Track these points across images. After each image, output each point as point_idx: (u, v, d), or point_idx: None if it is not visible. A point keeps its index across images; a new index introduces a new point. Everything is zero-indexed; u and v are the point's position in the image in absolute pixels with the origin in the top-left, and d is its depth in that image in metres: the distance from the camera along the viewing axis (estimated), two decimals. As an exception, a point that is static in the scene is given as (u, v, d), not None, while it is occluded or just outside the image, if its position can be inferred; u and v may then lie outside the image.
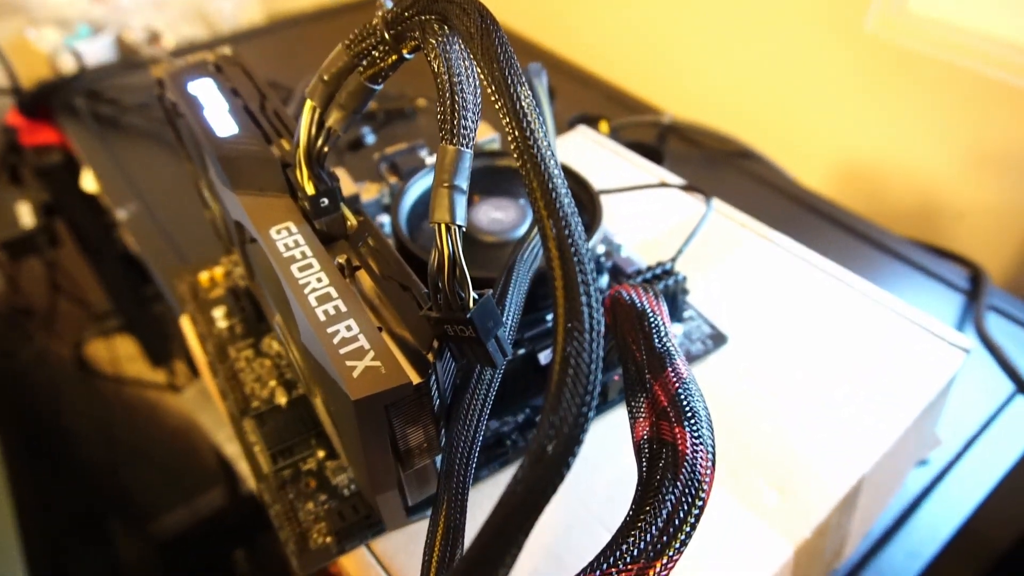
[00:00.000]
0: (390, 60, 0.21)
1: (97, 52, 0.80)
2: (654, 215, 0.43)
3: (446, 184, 0.18)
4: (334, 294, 0.21)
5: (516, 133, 0.16)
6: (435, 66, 0.19)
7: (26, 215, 0.69)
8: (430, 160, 0.37)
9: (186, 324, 0.37)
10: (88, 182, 0.60)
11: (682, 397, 0.21)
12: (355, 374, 0.19)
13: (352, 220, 0.24)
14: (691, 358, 0.35)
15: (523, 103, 0.17)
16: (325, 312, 0.21)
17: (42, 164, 0.68)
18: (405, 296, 0.21)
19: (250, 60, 0.74)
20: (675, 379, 0.21)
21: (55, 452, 0.93)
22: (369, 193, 0.37)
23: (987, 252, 0.55)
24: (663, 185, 0.41)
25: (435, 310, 0.19)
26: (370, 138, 0.54)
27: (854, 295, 0.38)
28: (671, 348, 0.23)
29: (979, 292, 0.46)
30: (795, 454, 0.31)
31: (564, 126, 0.62)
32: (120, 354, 0.92)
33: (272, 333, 0.35)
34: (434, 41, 0.19)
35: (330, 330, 0.20)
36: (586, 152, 0.49)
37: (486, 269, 0.30)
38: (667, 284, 0.34)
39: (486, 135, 0.44)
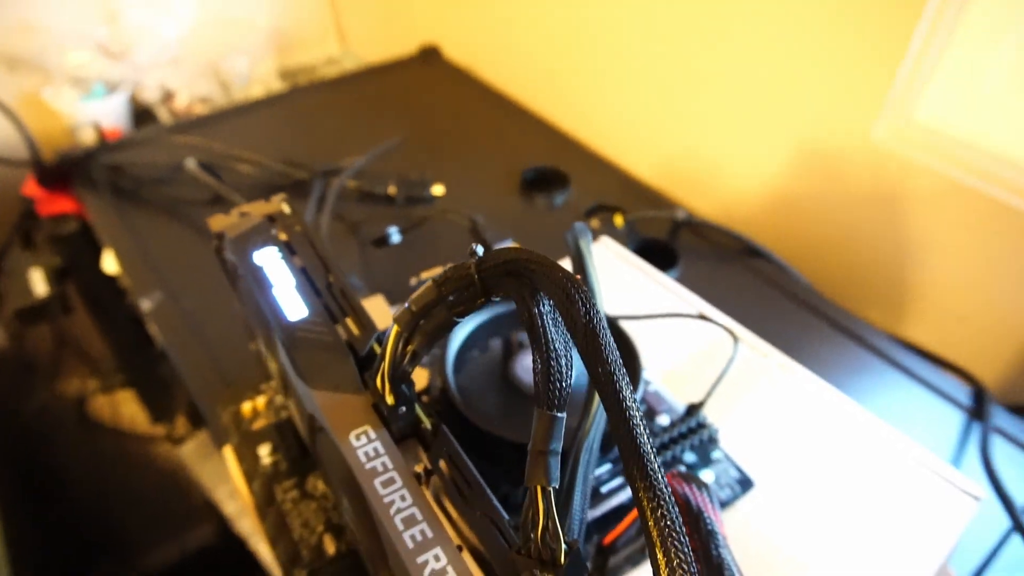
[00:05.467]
0: (479, 302, 0.22)
1: (112, 112, 0.80)
2: (677, 340, 0.45)
3: (541, 450, 0.20)
4: (419, 516, 0.23)
5: (629, 452, 0.18)
6: (531, 331, 0.20)
7: (39, 282, 0.69)
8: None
9: (230, 458, 0.37)
10: (109, 264, 0.60)
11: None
12: (448, 615, 0.20)
13: (427, 423, 0.26)
14: (719, 504, 0.36)
15: (636, 415, 0.18)
16: (412, 538, 0.22)
17: (58, 232, 0.69)
18: (489, 527, 0.22)
19: (267, 129, 0.75)
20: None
21: (49, 495, 0.93)
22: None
23: (984, 358, 0.57)
24: (702, 318, 0.43)
25: (524, 554, 0.21)
26: (396, 238, 0.55)
27: (870, 435, 0.40)
28: (728, 559, 0.24)
29: (983, 412, 0.49)
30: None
31: (582, 215, 0.64)
32: (122, 409, 0.91)
33: (316, 472, 0.36)
34: (532, 308, 0.20)
35: (419, 560, 0.22)
36: (611, 269, 0.50)
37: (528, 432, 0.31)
38: (701, 439, 0.36)
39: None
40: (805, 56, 0.61)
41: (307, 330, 0.28)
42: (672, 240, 0.62)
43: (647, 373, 0.41)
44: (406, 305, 0.23)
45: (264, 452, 0.37)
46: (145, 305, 0.55)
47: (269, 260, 0.31)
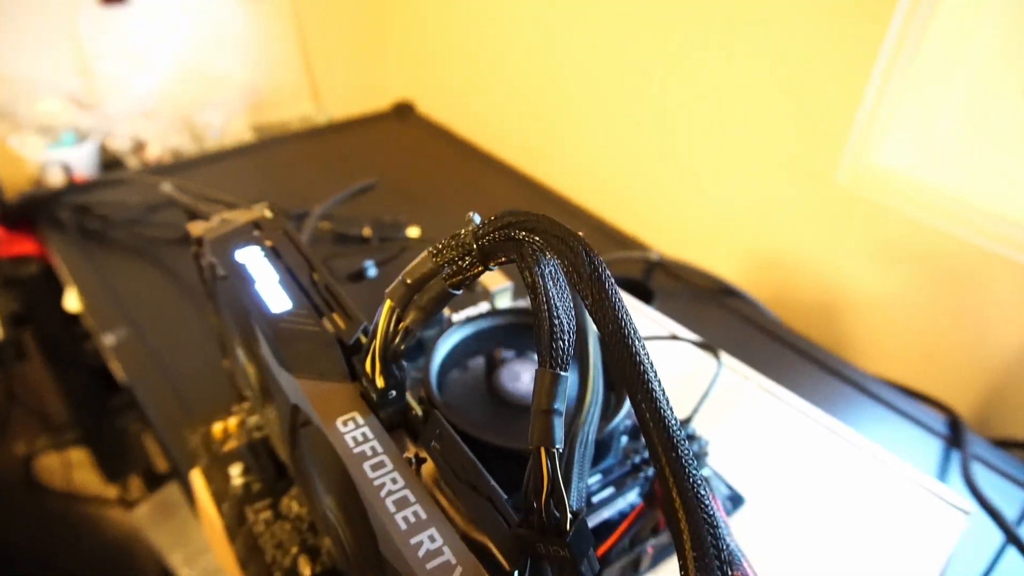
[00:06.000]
0: (475, 271, 0.22)
1: (81, 159, 0.80)
2: (659, 364, 0.45)
3: (544, 410, 0.19)
4: (411, 498, 0.21)
5: (639, 390, 0.17)
6: (532, 290, 0.20)
7: (-6, 327, 0.66)
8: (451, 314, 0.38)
9: (198, 480, 0.35)
10: (72, 302, 0.58)
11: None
12: (445, 594, 0.19)
13: (417, 409, 0.25)
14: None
15: (644, 359, 0.18)
16: (405, 519, 0.21)
17: (16, 275, 0.66)
18: (485, 504, 0.21)
19: (240, 177, 0.74)
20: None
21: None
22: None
23: (956, 393, 0.58)
24: (674, 338, 0.43)
25: (526, 527, 0.20)
26: (372, 271, 0.54)
27: (856, 452, 0.40)
28: (733, 546, 0.23)
29: (960, 440, 0.49)
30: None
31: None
32: (74, 468, 0.87)
33: (290, 493, 0.34)
34: (532, 265, 0.20)
35: (413, 541, 0.20)
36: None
37: (515, 438, 0.30)
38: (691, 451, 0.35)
39: (499, 283, 0.45)
40: (772, 106, 0.64)
41: (291, 321, 0.27)
42: (647, 280, 0.63)
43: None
44: (400, 278, 0.23)
45: (235, 472, 0.35)
46: (109, 340, 0.52)
47: (252, 258, 0.30)
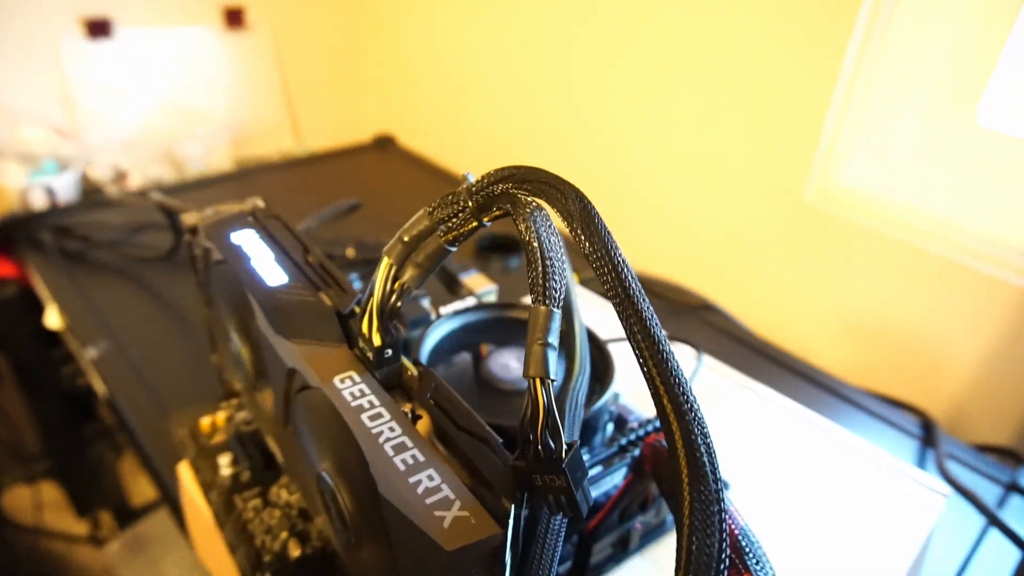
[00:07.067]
0: (470, 226, 0.23)
1: (62, 188, 0.80)
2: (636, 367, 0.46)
3: (540, 342, 0.20)
4: (409, 443, 0.22)
5: (629, 312, 0.18)
6: (526, 234, 0.21)
7: (-33, 351, 0.65)
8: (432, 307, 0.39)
9: (185, 472, 0.35)
10: (52, 319, 0.58)
11: (743, 545, 0.22)
12: (445, 525, 0.19)
13: (412, 369, 0.25)
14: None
15: (633, 284, 0.19)
16: (404, 462, 0.21)
17: (-6, 298, 0.66)
18: (480, 446, 0.22)
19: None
20: (734, 527, 0.23)
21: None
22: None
23: (926, 400, 0.60)
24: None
25: (523, 460, 0.20)
26: (357, 285, 0.55)
27: (835, 442, 0.41)
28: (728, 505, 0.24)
29: (933, 439, 0.50)
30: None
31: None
32: (44, 508, 0.84)
33: (280, 482, 0.34)
34: (526, 212, 0.21)
35: (412, 480, 0.21)
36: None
37: (503, 417, 0.31)
38: (675, 432, 0.35)
39: (484, 286, 0.46)
40: (740, 130, 0.67)
41: (287, 292, 0.27)
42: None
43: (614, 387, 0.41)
44: (397, 236, 0.24)
45: (224, 463, 0.35)
46: (90, 354, 0.52)
47: (247, 240, 0.31)
